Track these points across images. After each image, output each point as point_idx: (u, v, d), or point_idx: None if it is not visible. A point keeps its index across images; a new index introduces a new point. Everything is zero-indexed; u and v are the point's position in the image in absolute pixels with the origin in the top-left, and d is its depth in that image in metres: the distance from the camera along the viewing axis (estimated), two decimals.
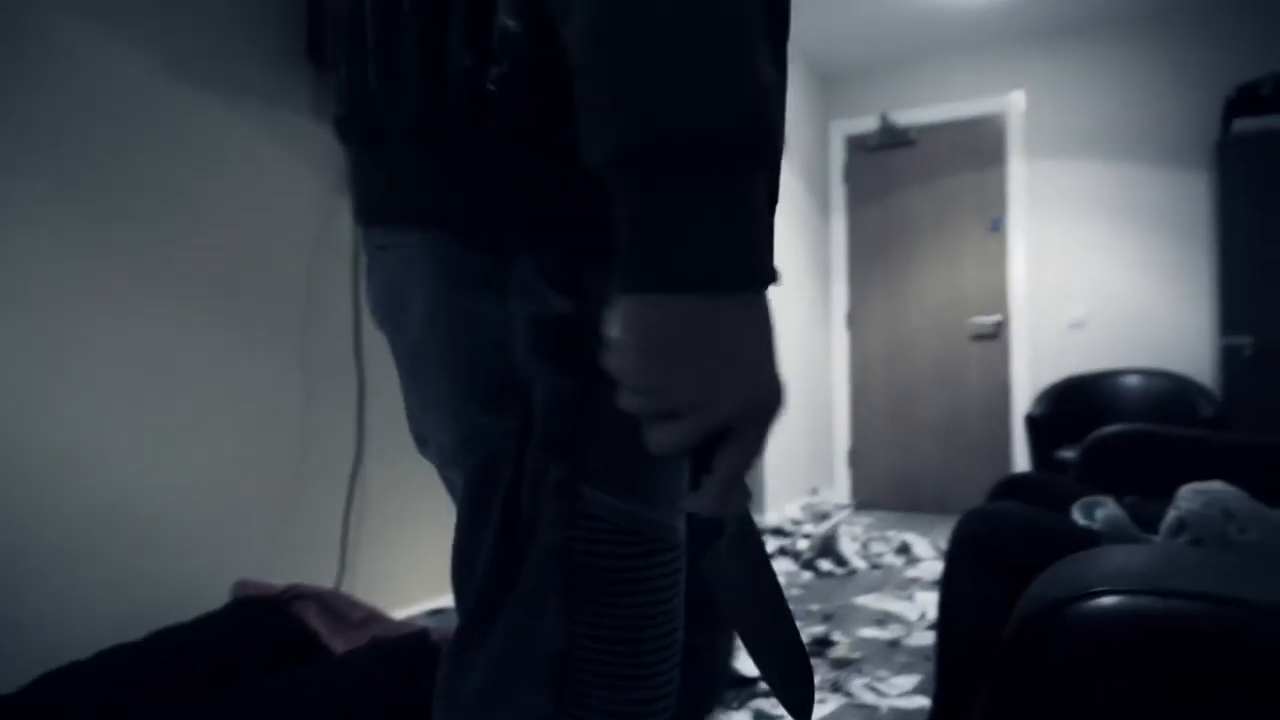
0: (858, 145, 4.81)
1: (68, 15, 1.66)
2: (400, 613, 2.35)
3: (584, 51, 0.45)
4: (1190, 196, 4.06)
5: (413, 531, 2.48)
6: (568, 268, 0.54)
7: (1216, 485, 1.34)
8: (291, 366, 2.12)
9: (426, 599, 2.50)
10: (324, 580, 2.18)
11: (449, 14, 0.54)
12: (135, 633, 1.67)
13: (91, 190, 1.70)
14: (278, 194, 2.10)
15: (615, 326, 0.46)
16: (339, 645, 1.60)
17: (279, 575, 2.05)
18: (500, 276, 0.55)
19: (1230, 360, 3.57)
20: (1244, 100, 3.62)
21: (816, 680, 2.02)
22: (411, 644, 1.56)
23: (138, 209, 1.78)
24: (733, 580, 0.53)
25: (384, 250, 0.61)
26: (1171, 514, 1.31)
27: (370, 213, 0.62)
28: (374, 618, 1.71)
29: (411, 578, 2.47)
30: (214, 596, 1.88)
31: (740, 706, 1.85)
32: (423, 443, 0.66)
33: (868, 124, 4.77)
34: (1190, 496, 1.32)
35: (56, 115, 1.64)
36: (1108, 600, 0.65)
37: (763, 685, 1.94)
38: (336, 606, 1.69)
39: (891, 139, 4.69)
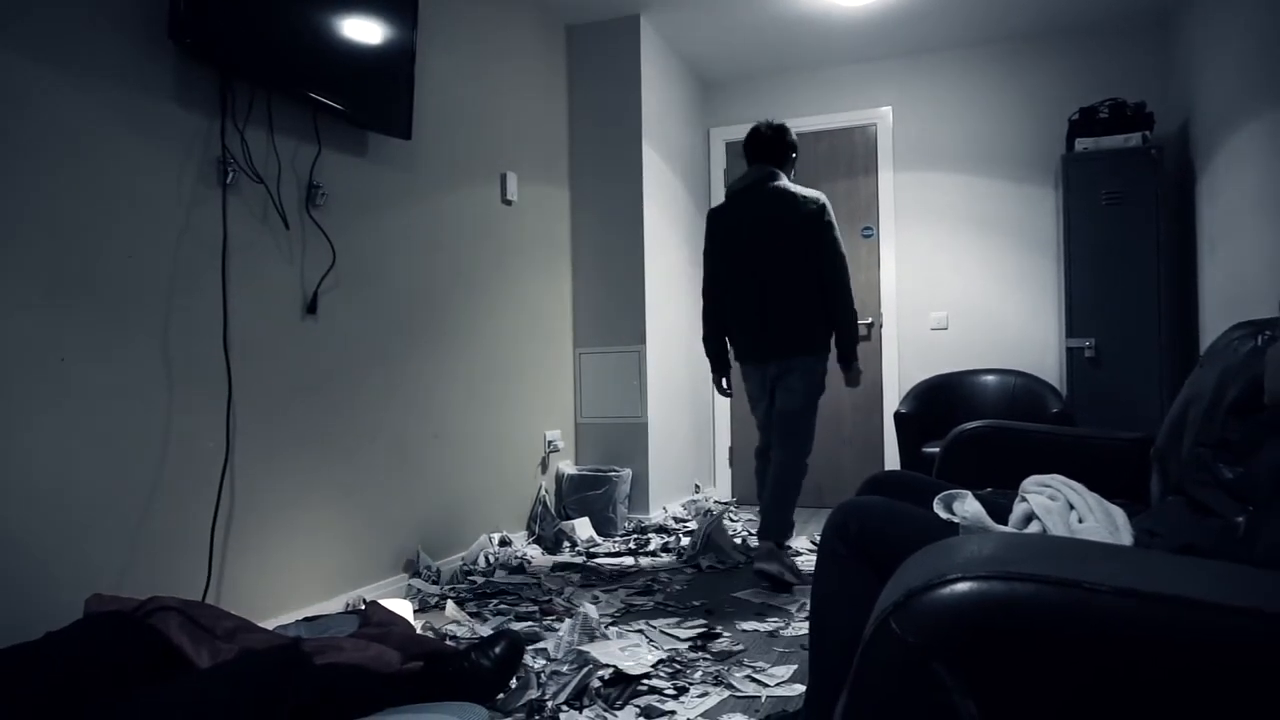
0: (738, 151, 4.93)
1: None
2: (273, 621, 2.25)
3: (839, 324, 3.11)
4: (1039, 209, 4.38)
5: (286, 536, 2.38)
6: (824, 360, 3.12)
7: (1057, 478, 1.45)
8: (153, 364, 2.00)
9: (301, 605, 2.41)
10: (192, 591, 2.07)
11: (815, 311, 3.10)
12: None
13: None
14: (137, 183, 1.97)
15: (852, 368, 3.17)
16: (205, 659, 1.52)
17: (141, 587, 1.93)
18: (820, 361, 3.10)
19: (1074, 360, 3.87)
20: (1085, 121, 3.93)
21: (698, 675, 2.07)
22: (282, 654, 1.50)
23: None
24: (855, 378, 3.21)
25: (809, 361, 3.07)
26: (1020, 506, 1.41)
27: (796, 351, 3.08)
28: (244, 628, 1.63)
29: (285, 584, 2.37)
30: (67, 613, 1.74)
31: (624, 705, 1.87)
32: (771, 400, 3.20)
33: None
34: (1034, 489, 1.43)
35: None
36: (960, 586, 0.70)
37: (645, 684, 1.97)
38: (202, 618, 1.60)
39: None
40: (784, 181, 3.14)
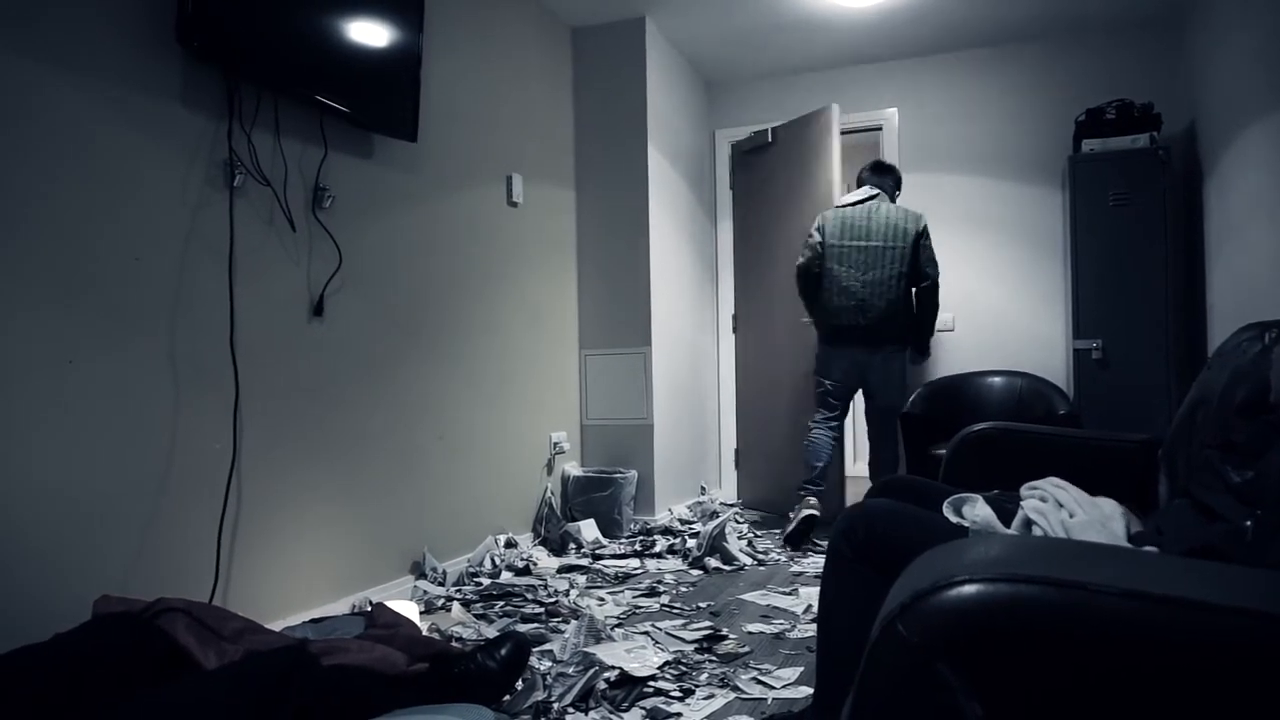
0: (743, 153, 4.93)
1: None
2: (280, 623, 2.26)
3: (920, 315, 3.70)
4: (1046, 211, 4.37)
5: (293, 537, 2.39)
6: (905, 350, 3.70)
7: (1048, 480, 1.48)
8: (159, 366, 2.01)
9: (307, 607, 2.41)
10: (198, 592, 2.07)
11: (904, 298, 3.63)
12: None
13: None
14: (144, 185, 1.98)
15: (923, 351, 3.85)
16: (211, 660, 1.53)
17: (148, 589, 1.94)
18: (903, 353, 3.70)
19: (1081, 362, 3.86)
20: (1091, 122, 3.92)
21: (704, 677, 2.06)
22: (288, 655, 1.51)
23: None
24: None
25: (893, 350, 3.64)
26: (1018, 514, 1.43)
27: (884, 340, 3.62)
28: (250, 629, 1.64)
29: (291, 586, 2.38)
30: (75, 614, 1.75)
31: (630, 707, 1.87)
32: (868, 394, 3.75)
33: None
34: (1026, 494, 1.46)
35: None
36: (966, 588, 0.70)
37: (651, 686, 1.97)
38: (209, 619, 1.60)
39: None
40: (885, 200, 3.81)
